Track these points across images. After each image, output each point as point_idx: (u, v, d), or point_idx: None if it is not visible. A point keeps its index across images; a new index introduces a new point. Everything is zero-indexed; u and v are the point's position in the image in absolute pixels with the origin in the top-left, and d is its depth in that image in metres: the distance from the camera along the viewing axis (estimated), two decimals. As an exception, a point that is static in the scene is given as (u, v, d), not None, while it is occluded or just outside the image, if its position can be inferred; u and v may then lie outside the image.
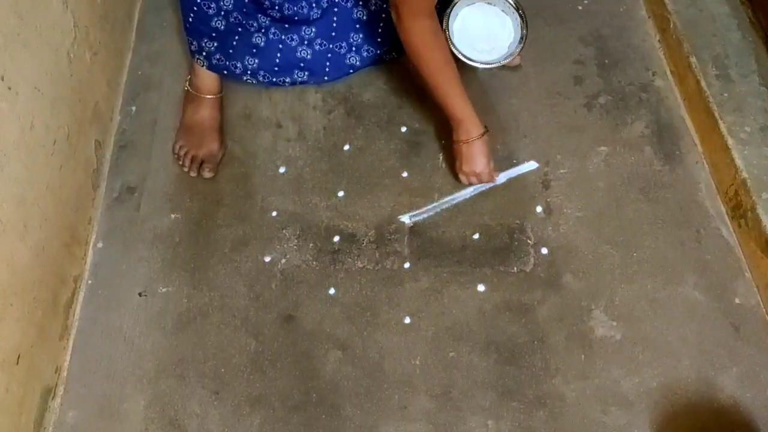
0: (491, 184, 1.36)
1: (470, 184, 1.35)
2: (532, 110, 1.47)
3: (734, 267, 1.26)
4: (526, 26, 1.33)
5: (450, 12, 1.32)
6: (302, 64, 1.43)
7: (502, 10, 1.34)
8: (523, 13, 1.33)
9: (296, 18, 1.36)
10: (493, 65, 1.37)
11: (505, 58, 1.36)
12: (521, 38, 1.34)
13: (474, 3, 1.34)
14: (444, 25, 1.31)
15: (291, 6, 1.34)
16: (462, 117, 1.27)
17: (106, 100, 1.43)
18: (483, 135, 1.29)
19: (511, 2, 1.33)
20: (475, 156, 1.29)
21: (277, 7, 1.34)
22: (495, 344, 1.20)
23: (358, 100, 1.50)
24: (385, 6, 1.35)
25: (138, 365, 1.19)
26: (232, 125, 1.47)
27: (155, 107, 1.50)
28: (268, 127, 1.47)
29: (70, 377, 1.18)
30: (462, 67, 1.30)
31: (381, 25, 1.38)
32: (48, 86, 1.16)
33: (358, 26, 1.39)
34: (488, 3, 1.34)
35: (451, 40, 1.32)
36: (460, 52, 1.33)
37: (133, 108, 1.50)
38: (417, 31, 1.20)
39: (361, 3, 1.36)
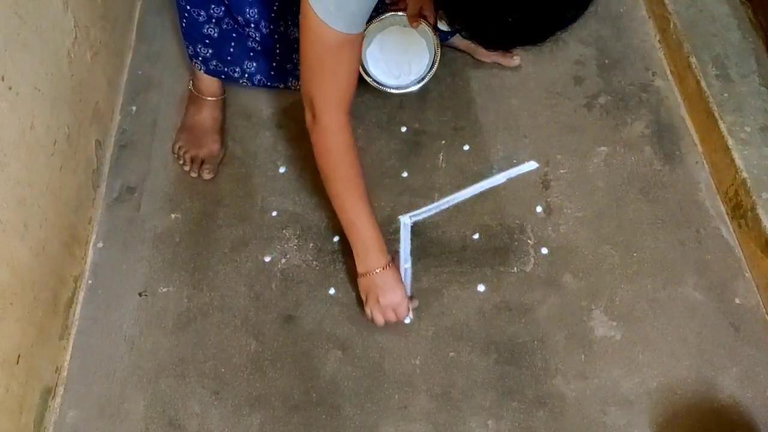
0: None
1: (386, 322, 1.17)
2: (532, 110, 1.47)
3: (734, 267, 1.26)
4: (440, 48, 1.28)
5: (362, 39, 1.28)
6: (296, 72, 1.43)
7: (420, 33, 1.30)
8: (438, 34, 1.28)
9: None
10: (405, 90, 1.31)
11: (416, 83, 1.31)
12: (432, 62, 1.29)
13: (387, 28, 1.29)
14: None
15: (268, 25, 1.32)
16: (371, 243, 1.13)
17: (106, 100, 1.43)
18: (392, 260, 1.15)
19: (426, 23, 1.28)
20: (391, 286, 1.14)
21: (252, 26, 1.32)
22: (495, 344, 1.20)
23: (358, 100, 1.48)
24: None
25: (138, 365, 1.19)
26: (232, 125, 1.47)
27: (155, 107, 1.50)
28: (268, 127, 1.47)
29: (70, 377, 1.18)
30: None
31: None
32: (48, 86, 1.16)
33: None
34: (404, 26, 1.29)
35: (364, 66, 1.29)
36: (373, 79, 1.29)
37: (133, 108, 1.50)
38: (336, 129, 1.07)
39: None
